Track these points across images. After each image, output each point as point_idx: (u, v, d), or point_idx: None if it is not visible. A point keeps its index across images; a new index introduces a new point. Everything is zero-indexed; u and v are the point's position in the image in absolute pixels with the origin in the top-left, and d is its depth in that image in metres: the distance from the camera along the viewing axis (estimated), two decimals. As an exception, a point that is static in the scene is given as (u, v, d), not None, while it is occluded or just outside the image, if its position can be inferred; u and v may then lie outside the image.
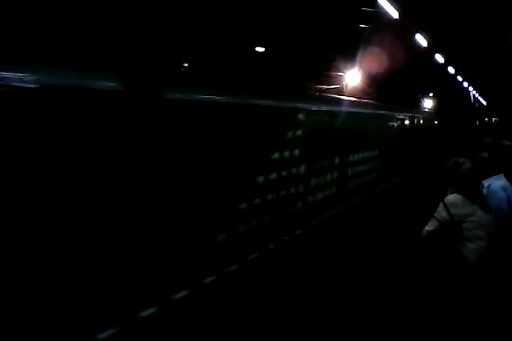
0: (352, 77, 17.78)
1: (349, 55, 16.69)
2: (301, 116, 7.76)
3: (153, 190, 4.58)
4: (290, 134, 7.38)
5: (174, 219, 4.87)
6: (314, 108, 8.45)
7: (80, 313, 3.85)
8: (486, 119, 45.01)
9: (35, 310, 3.55)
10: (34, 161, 3.52)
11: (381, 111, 13.29)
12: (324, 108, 8.99)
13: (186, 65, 12.90)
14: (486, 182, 4.50)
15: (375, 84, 18.75)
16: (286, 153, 7.26)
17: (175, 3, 10.99)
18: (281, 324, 5.04)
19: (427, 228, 4.08)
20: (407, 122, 15.88)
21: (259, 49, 16.60)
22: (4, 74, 3.37)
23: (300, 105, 7.94)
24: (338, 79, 17.60)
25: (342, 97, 11.89)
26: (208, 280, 5.28)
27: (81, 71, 4.14)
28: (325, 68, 17.08)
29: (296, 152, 7.62)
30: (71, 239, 3.79)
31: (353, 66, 17.49)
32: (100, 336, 3.95)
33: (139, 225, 4.40)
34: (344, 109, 9.98)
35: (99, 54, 6.24)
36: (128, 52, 9.04)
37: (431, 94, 33.09)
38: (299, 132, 7.60)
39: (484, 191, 4.36)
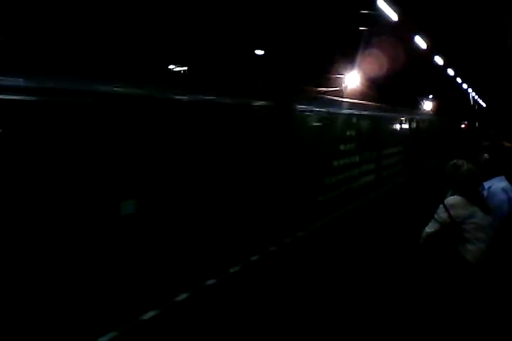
0: (352, 79, 17.79)
1: (349, 57, 16.71)
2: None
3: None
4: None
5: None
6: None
7: (82, 316, 3.85)
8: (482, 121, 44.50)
9: (36, 313, 3.55)
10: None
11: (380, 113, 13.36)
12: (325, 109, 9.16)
13: (186, 68, 12.94)
14: (487, 184, 4.49)
15: (375, 86, 18.76)
16: None
17: (175, 8, 11.01)
18: (282, 325, 5.04)
19: (427, 230, 4.07)
20: (405, 123, 15.88)
21: (259, 52, 16.59)
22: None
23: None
24: (338, 81, 17.61)
25: (342, 99, 11.92)
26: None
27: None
28: (325, 70, 17.09)
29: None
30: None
31: (352, 68, 17.50)
32: (102, 339, 3.95)
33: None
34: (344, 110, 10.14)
35: (99, 56, 6.26)
36: (128, 54, 9.05)
37: (430, 96, 33.09)
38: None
39: (485, 193, 4.36)
